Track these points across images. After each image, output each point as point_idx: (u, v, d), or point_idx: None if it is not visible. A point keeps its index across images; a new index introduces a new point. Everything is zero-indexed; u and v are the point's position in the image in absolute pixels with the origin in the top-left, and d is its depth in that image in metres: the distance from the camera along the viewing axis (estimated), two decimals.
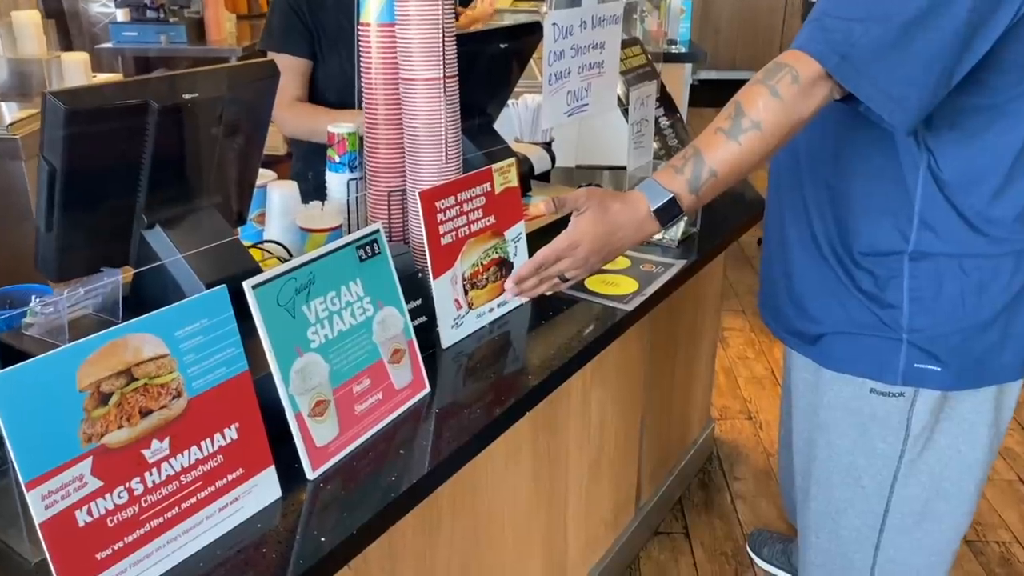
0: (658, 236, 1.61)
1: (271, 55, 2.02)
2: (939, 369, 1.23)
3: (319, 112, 2.00)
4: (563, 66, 1.50)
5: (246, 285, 0.92)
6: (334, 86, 1.99)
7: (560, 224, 1.58)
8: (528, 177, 1.83)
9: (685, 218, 1.21)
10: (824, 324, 1.30)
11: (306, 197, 1.53)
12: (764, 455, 2.54)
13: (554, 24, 1.46)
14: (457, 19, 4.13)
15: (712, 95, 7.28)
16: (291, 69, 1.99)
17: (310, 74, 2.03)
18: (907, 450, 1.30)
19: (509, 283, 1.16)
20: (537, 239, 1.35)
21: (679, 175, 1.11)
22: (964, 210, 1.15)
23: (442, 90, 1.31)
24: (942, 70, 1.02)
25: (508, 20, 4.74)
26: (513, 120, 2.05)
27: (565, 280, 1.17)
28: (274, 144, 2.87)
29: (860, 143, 1.19)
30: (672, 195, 1.11)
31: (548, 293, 1.19)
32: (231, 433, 0.90)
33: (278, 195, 1.45)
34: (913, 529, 1.36)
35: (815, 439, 1.40)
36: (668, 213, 1.12)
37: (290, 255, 1.38)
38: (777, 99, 1.05)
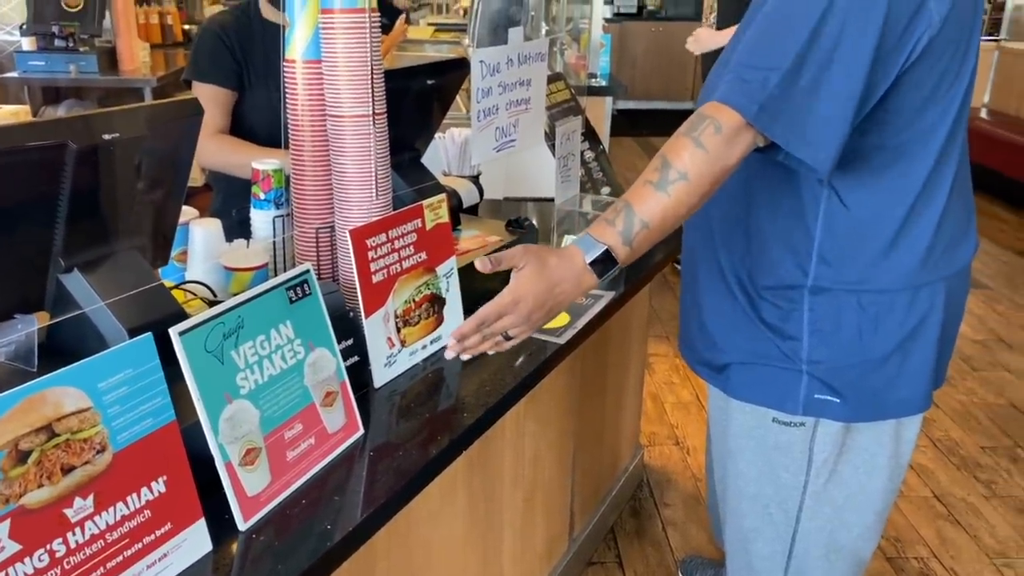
0: None
1: (196, 85, 1.98)
2: (838, 401, 1.26)
3: (241, 146, 1.96)
4: (491, 103, 1.51)
5: (173, 332, 0.89)
6: (262, 118, 1.96)
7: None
8: (457, 211, 1.83)
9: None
10: (729, 354, 1.33)
11: (229, 234, 1.49)
12: (693, 480, 2.58)
13: (481, 62, 1.47)
14: None
15: (632, 124, 7.41)
16: (215, 100, 1.96)
17: (235, 106, 1.99)
18: (811, 481, 1.33)
19: (451, 340, 1.15)
20: (467, 276, 1.35)
21: (612, 228, 1.12)
22: (863, 247, 1.20)
23: (371, 127, 1.30)
24: (854, 109, 1.06)
25: (430, 51, 4.75)
26: (441, 154, 2.05)
27: (508, 338, 1.16)
28: (191, 174, 2.81)
29: (765, 178, 1.23)
30: (606, 247, 1.12)
31: (490, 352, 1.17)
32: (159, 486, 0.86)
33: (201, 234, 1.41)
34: (820, 559, 1.39)
35: (726, 466, 1.44)
36: (604, 266, 1.13)
37: (214, 295, 1.35)
38: (701, 150, 1.08)
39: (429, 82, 1.61)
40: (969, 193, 1.30)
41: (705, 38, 3.67)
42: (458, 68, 1.71)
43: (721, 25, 3.69)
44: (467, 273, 1.38)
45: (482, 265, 1.12)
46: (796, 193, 1.20)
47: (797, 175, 1.18)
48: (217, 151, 1.95)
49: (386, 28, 3.54)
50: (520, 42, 1.54)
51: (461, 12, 4.73)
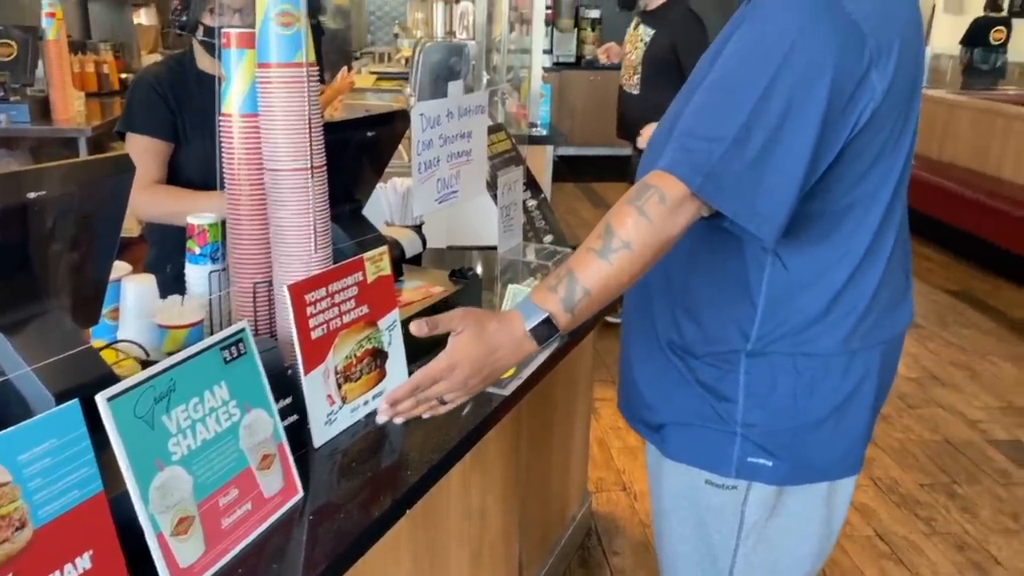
0: None
1: (130, 137, 1.95)
2: (771, 464, 1.25)
3: (178, 194, 1.93)
4: (432, 155, 1.51)
5: (99, 399, 0.85)
6: (198, 170, 1.94)
7: (450, 309, 1.58)
8: (400, 262, 1.81)
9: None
10: (665, 414, 1.33)
11: (164, 289, 1.46)
12: (641, 527, 2.57)
13: (421, 115, 1.47)
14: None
15: (573, 170, 7.51)
16: (150, 151, 1.92)
17: (171, 158, 1.96)
18: (741, 544, 1.33)
19: (383, 404, 1.12)
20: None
21: (553, 294, 1.11)
22: (801, 311, 1.20)
23: (309, 180, 1.29)
24: (801, 179, 1.07)
25: (372, 98, 4.77)
26: (382, 203, 2.04)
27: (444, 403, 1.14)
28: (127, 225, 2.74)
29: (708, 243, 1.22)
30: (547, 314, 1.11)
31: (425, 416, 1.15)
32: (84, 562, 0.82)
33: (133, 290, 1.37)
34: None
35: (661, 524, 1.43)
36: (544, 332, 1.12)
37: (147, 355, 1.30)
38: (645, 219, 1.08)
39: (369, 134, 1.60)
40: (908, 257, 1.32)
41: (648, 134, 3.74)
42: (399, 120, 1.70)
43: (644, 88, 3.76)
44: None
45: (417, 329, 1.10)
46: (740, 258, 1.21)
47: (741, 240, 1.18)
48: (153, 202, 1.91)
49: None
50: (460, 95, 1.55)
51: (403, 61, 4.76)
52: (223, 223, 1.41)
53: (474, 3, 3.95)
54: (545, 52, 7.80)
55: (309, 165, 1.28)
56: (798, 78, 1.04)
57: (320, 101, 3.90)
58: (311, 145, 1.27)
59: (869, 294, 1.21)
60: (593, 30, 8.14)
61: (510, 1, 3.97)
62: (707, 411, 1.26)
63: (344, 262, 1.31)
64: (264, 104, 1.27)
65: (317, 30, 7.42)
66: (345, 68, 4.43)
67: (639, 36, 3.85)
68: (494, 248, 1.93)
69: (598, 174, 7.19)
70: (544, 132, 3.13)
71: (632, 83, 3.88)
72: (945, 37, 10.30)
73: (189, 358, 0.99)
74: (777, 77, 1.04)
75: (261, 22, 1.25)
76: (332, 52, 7.97)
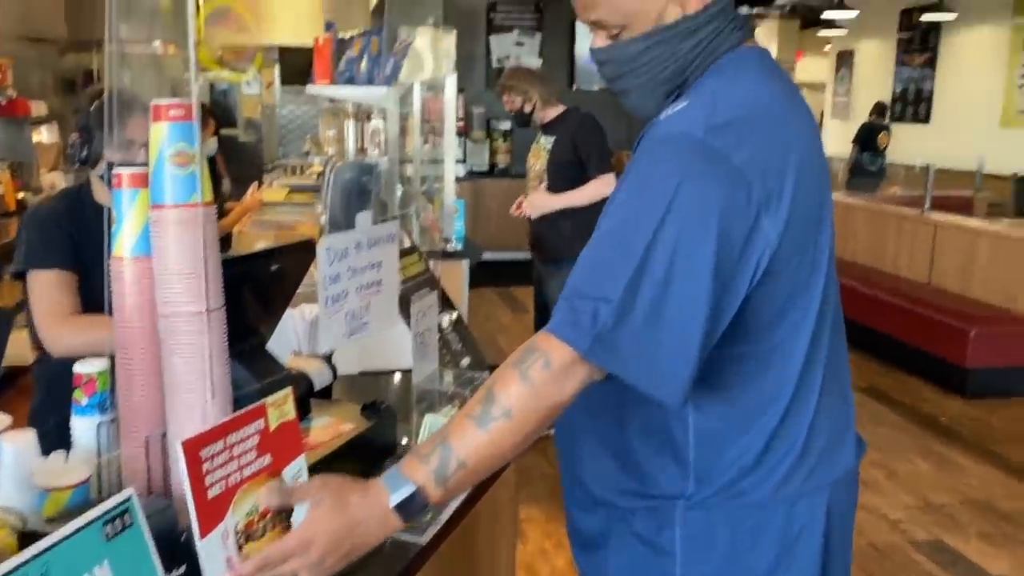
0: None
1: (34, 273, 1.85)
2: None
3: (103, 321, 1.83)
4: (340, 288, 1.46)
5: None
6: (102, 298, 1.84)
7: (362, 448, 1.49)
8: (308, 397, 1.73)
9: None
10: (605, 570, 1.26)
11: (47, 442, 1.34)
12: None
13: (328, 249, 1.43)
14: (227, 213, 4.06)
15: (492, 275, 7.53)
16: (59, 284, 1.83)
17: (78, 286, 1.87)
18: None
19: None
20: (323, 467, 1.24)
21: (424, 465, 1.04)
22: (734, 460, 1.15)
23: (206, 324, 1.21)
24: (701, 335, 1.02)
25: (285, 212, 4.71)
26: (290, 333, 1.96)
27: None
28: (19, 353, 2.57)
29: (632, 393, 1.16)
30: (415, 488, 1.03)
31: None
32: None
33: (11, 450, 1.25)
34: None
35: None
36: (412, 507, 1.04)
37: (24, 524, 1.18)
38: (528, 385, 1.02)
39: (274, 267, 1.55)
40: (845, 386, 1.28)
41: (540, 203, 3.80)
42: (305, 250, 1.65)
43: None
44: (319, 471, 1.27)
45: (267, 499, 1.02)
46: (660, 406, 1.15)
47: None
48: (76, 332, 1.81)
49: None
50: (369, 226, 1.51)
51: (315, 175, 4.74)
52: (113, 371, 1.31)
53: (385, 120, 3.99)
54: (459, 162, 7.94)
55: (206, 308, 1.21)
56: (683, 232, 1.01)
57: (227, 221, 3.83)
58: (207, 287, 1.21)
59: (803, 435, 1.16)
60: (504, 140, 8.34)
61: (422, 114, 4.03)
62: (648, 565, 1.19)
63: (244, 411, 1.22)
64: (158, 246, 1.20)
65: (226, 141, 7.39)
66: (255, 185, 4.39)
67: (542, 147, 3.96)
68: (409, 371, 1.87)
69: (516, 279, 7.22)
70: (459, 247, 3.13)
71: (539, 191, 3.95)
72: (833, 142, 10.94)
73: (65, 538, 0.89)
74: (661, 232, 1.01)
75: (155, 162, 1.20)
76: (244, 165, 7.93)
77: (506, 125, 8.28)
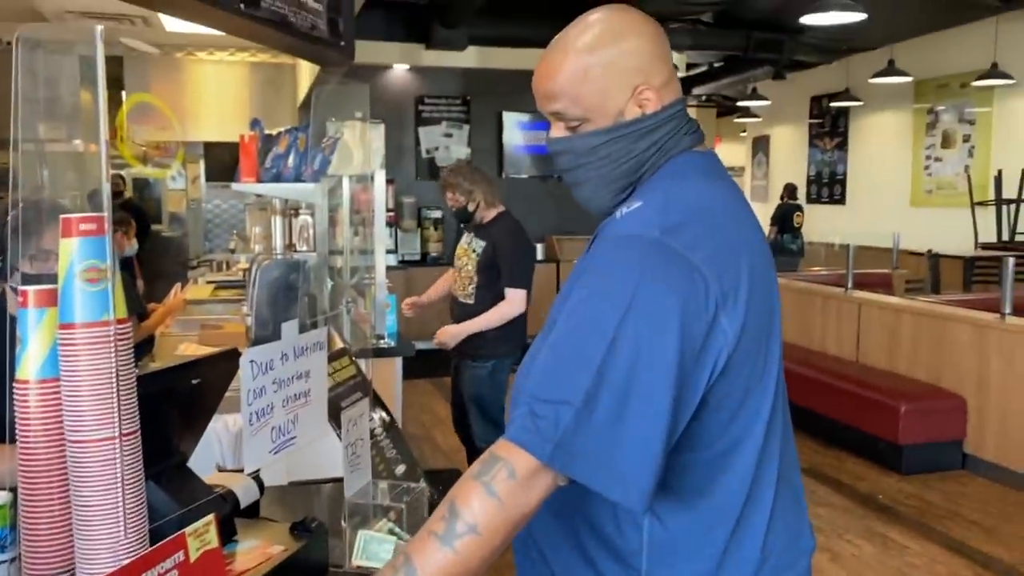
0: None
1: None
2: None
3: (4, 451, 1.69)
4: (265, 403, 1.39)
5: None
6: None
7: (292, 571, 1.39)
8: (233, 517, 1.63)
9: None
10: None
11: None
12: None
13: (252, 362, 1.36)
14: (148, 316, 3.92)
15: (426, 365, 7.42)
16: None
17: None
18: None
19: None
20: None
21: None
22: (691, 569, 1.11)
23: (118, 450, 1.12)
24: (664, 436, 1.00)
25: (210, 311, 4.58)
26: (213, 446, 1.86)
27: None
28: None
29: (590, 501, 1.14)
30: None
31: None
32: None
33: None
34: None
35: None
36: None
37: None
38: (493, 498, 0.99)
39: (194, 381, 1.47)
40: (798, 484, 1.26)
41: (454, 332, 3.86)
42: (229, 360, 1.58)
43: (478, 297, 3.89)
44: None
45: None
46: (614, 518, 1.12)
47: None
48: None
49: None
50: (295, 335, 1.45)
51: (241, 273, 4.64)
52: (15, 504, 1.21)
53: (314, 215, 3.95)
54: (390, 252, 7.91)
55: (118, 433, 1.12)
56: (643, 332, 1.00)
57: (149, 323, 3.66)
58: (120, 410, 1.13)
59: (760, 541, 1.13)
60: (436, 229, 8.37)
61: (351, 206, 4.00)
62: None
63: (161, 544, 1.13)
64: (66, 368, 1.12)
65: (150, 236, 7.22)
66: (178, 285, 4.27)
67: (471, 248, 4.01)
68: (341, 480, 1.78)
69: (450, 368, 7.14)
70: (392, 343, 3.06)
71: (467, 293, 3.98)
72: None
73: None
74: (621, 333, 1.00)
75: (64, 278, 1.13)
76: (168, 260, 7.76)
77: (437, 214, 8.32)
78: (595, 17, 1.20)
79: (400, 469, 1.95)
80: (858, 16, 5.76)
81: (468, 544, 0.97)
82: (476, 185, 4.00)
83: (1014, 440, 4.59)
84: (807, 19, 5.83)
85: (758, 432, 1.13)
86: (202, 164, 8.17)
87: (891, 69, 8.12)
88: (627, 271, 1.04)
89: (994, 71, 7.77)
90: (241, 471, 1.80)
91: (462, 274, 4.03)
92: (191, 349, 3.45)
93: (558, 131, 1.21)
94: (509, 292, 3.83)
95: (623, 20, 1.18)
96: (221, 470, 1.83)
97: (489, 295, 3.87)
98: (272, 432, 1.42)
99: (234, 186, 3.53)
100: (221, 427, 1.86)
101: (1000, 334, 4.68)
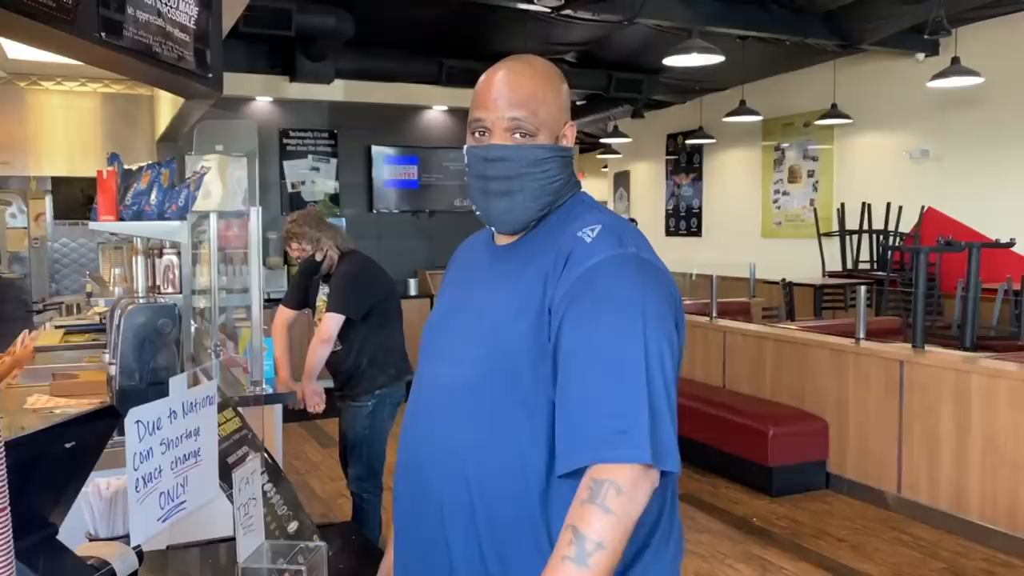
0: None
1: None
2: None
3: None
4: (152, 466, 1.26)
5: None
6: None
7: None
8: None
9: None
10: None
11: None
12: None
13: (138, 422, 1.23)
14: None
15: (297, 410, 7.17)
16: None
17: None
18: None
19: None
20: None
21: None
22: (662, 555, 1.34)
23: None
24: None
25: (62, 358, 4.22)
26: (84, 513, 1.68)
27: None
28: None
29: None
30: None
31: None
32: None
33: None
34: None
35: None
36: None
37: None
38: (610, 515, 1.12)
39: (68, 445, 1.32)
40: None
41: (311, 389, 3.77)
42: (105, 419, 1.43)
43: (343, 341, 3.78)
44: None
45: None
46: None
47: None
48: None
49: None
50: (183, 390, 1.33)
51: (97, 317, 4.32)
52: None
53: (179, 255, 3.73)
54: (246, 290, 7.61)
55: None
56: (659, 335, 1.22)
57: None
58: None
59: (679, 515, 1.39)
60: None
61: (218, 243, 3.81)
62: None
63: None
64: None
65: None
66: (24, 333, 3.93)
67: (324, 297, 3.93)
68: (225, 540, 1.65)
69: (324, 412, 6.90)
70: (270, 389, 2.91)
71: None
72: None
73: None
74: (647, 340, 1.20)
75: None
76: (9, 304, 7.17)
77: None
78: (543, 60, 1.42)
79: (293, 526, 1.83)
80: (716, 58, 6.05)
81: (598, 559, 1.11)
82: (323, 232, 3.86)
83: (872, 458, 4.85)
84: (669, 60, 6.07)
85: None
86: (48, 200, 7.63)
87: (743, 108, 8.57)
88: (632, 288, 1.23)
89: (834, 111, 8.33)
90: (117, 539, 1.64)
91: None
92: (42, 401, 3.16)
93: (501, 139, 1.35)
94: (324, 316, 3.75)
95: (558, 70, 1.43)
96: (92, 539, 1.66)
97: (346, 340, 3.77)
98: (160, 498, 1.30)
99: (92, 224, 3.30)
100: (92, 491, 1.68)
101: (856, 357, 4.96)
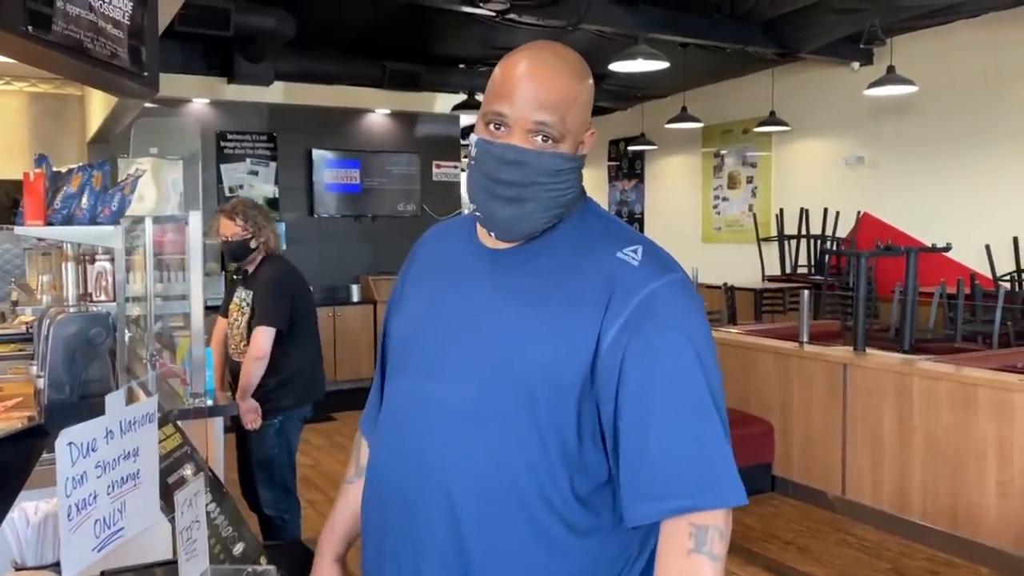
0: None
1: None
2: None
3: None
4: (86, 492, 1.16)
5: None
6: None
7: None
8: None
9: None
10: None
11: None
12: None
13: (71, 444, 1.13)
14: None
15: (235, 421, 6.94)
16: None
17: None
18: None
19: None
20: None
21: None
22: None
23: None
24: None
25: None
26: (9, 539, 1.56)
27: None
28: None
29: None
30: None
31: None
32: None
33: None
34: None
35: None
36: None
37: None
38: (718, 562, 1.11)
39: None
40: None
41: (247, 407, 3.56)
42: (32, 439, 1.33)
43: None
44: None
45: None
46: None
47: None
48: None
49: None
50: (121, 409, 1.23)
51: (24, 327, 4.12)
52: None
53: (113, 261, 3.57)
54: (184, 298, 7.38)
55: None
56: (713, 363, 1.20)
57: None
58: None
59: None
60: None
61: (153, 249, 3.66)
62: None
63: None
64: None
65: None
66: None
67: (243, 302, 3.73)
68: (164, 564, 1.55)
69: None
70: (211, 402, 2.78)
71: (240, 350, 3.68)
72: None
73: None
74: (707, 372, 1.17)
75: None
76: None
77: None
78: (574, 52, 1.26)
79: (239, 548, 1.73)
80: (662, 64, 6.07)
81: None
82: (267, 223, 3.73)
83: (816, 461, 4.91)
84: (615, 66, 6.07)
85: None
86: None
87: (684, 115, 8.64)
88: (689, 316, 1.20)
89: (772, 118, 8.45)
90: (46, 568, 1.52)
91: (234, 331, 3.73)
92: None
93: (526, 143, 1.21)
94: (256, 331, 3.54)
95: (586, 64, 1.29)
96: (19, 568, 1.54)
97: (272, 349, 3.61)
98: (96, 526, 1.19)
99: (17, 230, 3.12)
100: (19, 516, 1.57)
101: (800, 361, 5.01)
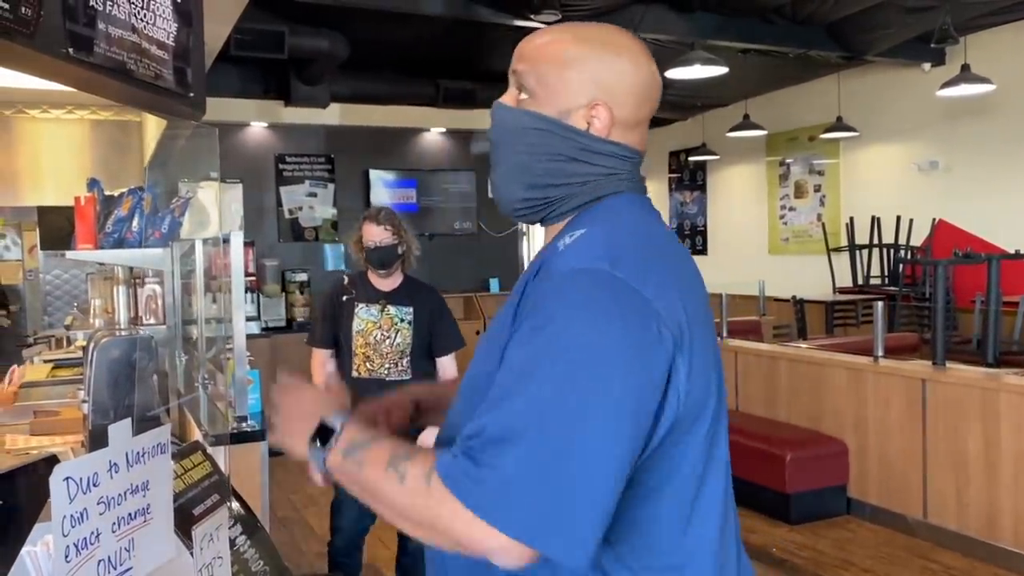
0: None
1: None
2: None
3: None
4: (87, 530, 1.07)
5: None
6: None
7: None
8: None
9: None
10: None
11: None
12: None
13: (68, 479, 1.05)
14: None
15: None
16: None
17: None
18: None
19: None
20: None
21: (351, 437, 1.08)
22: None
23: None
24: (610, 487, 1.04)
25: (47, 394, 4.04)
26: (30, 570, 1.50)
27: None
28: None
29: None
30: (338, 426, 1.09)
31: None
32: None
33: None
34: None
35: None
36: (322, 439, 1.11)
37: None
38: (403, 483, 1.01)
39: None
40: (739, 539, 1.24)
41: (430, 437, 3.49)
42: (46, 470, 1.25)
43: (414, 371, 3.56)
44: None
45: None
46: None
47: None
48: None
49: None
50: (127, 439, 1.15)
51: (81, 351, 4.15)
52: None
53: (162, 284, 3.56)
54: (251, 319, 7.43)
55: None
56: (591, 377, 0.99)
57: None
58: None
59: None
60: (301, 292, 7.95)
61: (208, 272, 3.63)
62: None
63: None
64: None
65: None
66: (13, 368, 3.76)
67: (394, 317, 3.59)
68: None
69: None
70: (256, 426, 2.72)
71: (401, 368, 3.56)
72: None
73: None
74: (566, 379, 0.98)
75: None
76: (6, 338, 7.02)
77: (302, 276, 7.92)
78: (614, 28, 1.17)
79: None
80: (720, 70, 5.90)
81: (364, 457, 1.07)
82: (409, 232, 3.71)
83: (895, 482, 4.63)
84: (672, 73, 5.92)
85: (719, 481, 1.17)
86: (36, 231, 7.49)
87: (746, 123, 8.41)
88: (568, 320, 0.97)
89: (839, 124, 8.17)
90: None
91: (384, 348, 3.57)
92: (20, 442, 2.98)
93: (508, 98, 1.17)
94: (452, 356, 3.60)
95: (631, 45, 1.15)
96: None
97: (423, 364, 3.57)
98: (100, 566, 1.11)
99: (69, 254, 3.13)
100: (40, 550, 1.50)
101: (875, 377, 4.75)
